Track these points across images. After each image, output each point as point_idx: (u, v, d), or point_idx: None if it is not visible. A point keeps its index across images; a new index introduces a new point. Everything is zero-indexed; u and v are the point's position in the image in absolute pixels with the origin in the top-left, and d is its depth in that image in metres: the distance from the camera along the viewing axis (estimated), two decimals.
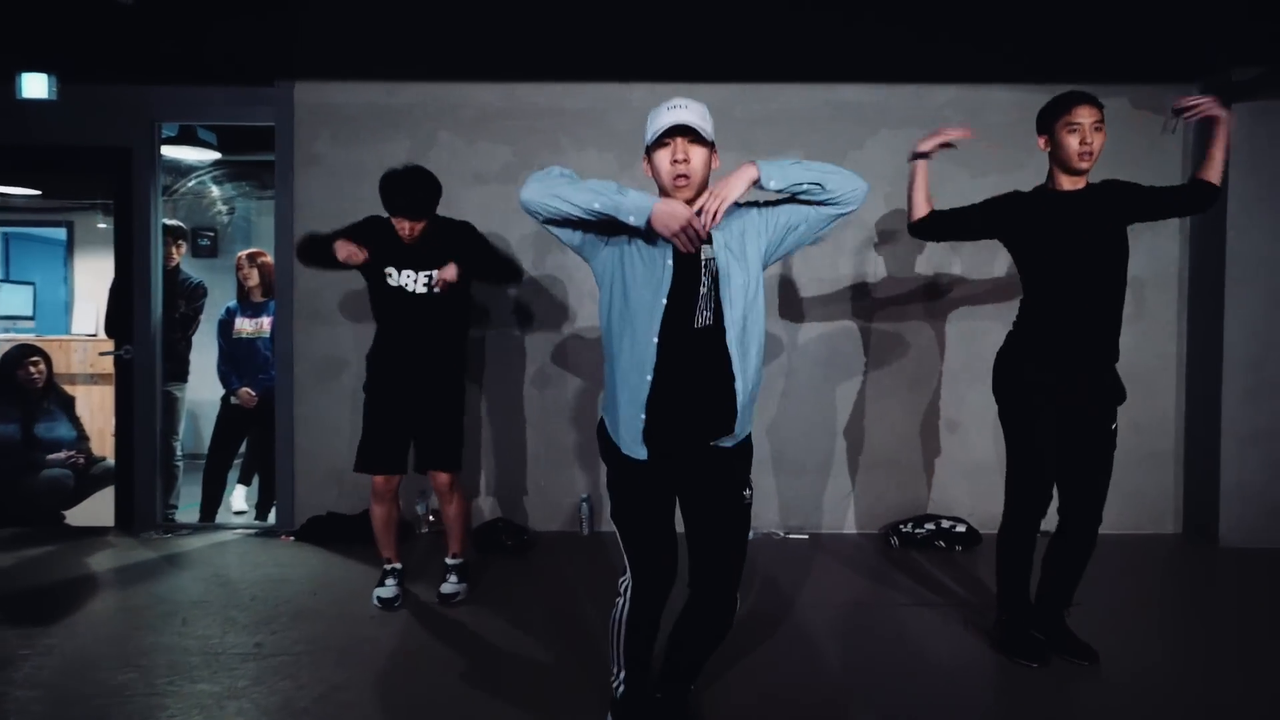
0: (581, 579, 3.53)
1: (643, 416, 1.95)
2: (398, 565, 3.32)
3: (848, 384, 4.31)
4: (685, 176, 1.98)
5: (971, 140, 4.32)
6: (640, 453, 1.98)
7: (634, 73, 4.25)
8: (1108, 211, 2.60)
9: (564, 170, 2.02)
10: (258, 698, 2.40)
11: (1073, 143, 2.55)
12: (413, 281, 3.10)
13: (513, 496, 4.31)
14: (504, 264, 3.65)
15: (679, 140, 1.98)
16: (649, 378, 1.94)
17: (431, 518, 4.25)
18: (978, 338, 4.27)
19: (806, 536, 4.19)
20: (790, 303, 4.28)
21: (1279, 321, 4.06)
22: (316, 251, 3.12)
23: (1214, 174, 2.60)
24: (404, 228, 3.08)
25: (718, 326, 1.95)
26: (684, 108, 1.99)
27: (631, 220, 1.89)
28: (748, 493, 2.07)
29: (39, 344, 4.84)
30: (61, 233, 7.47)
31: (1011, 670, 2.64)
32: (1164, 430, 4.29)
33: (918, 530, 4.10)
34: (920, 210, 2.77)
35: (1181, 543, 4.16)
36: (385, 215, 3.13)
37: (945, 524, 4.11)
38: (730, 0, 4.02)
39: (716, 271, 1.96)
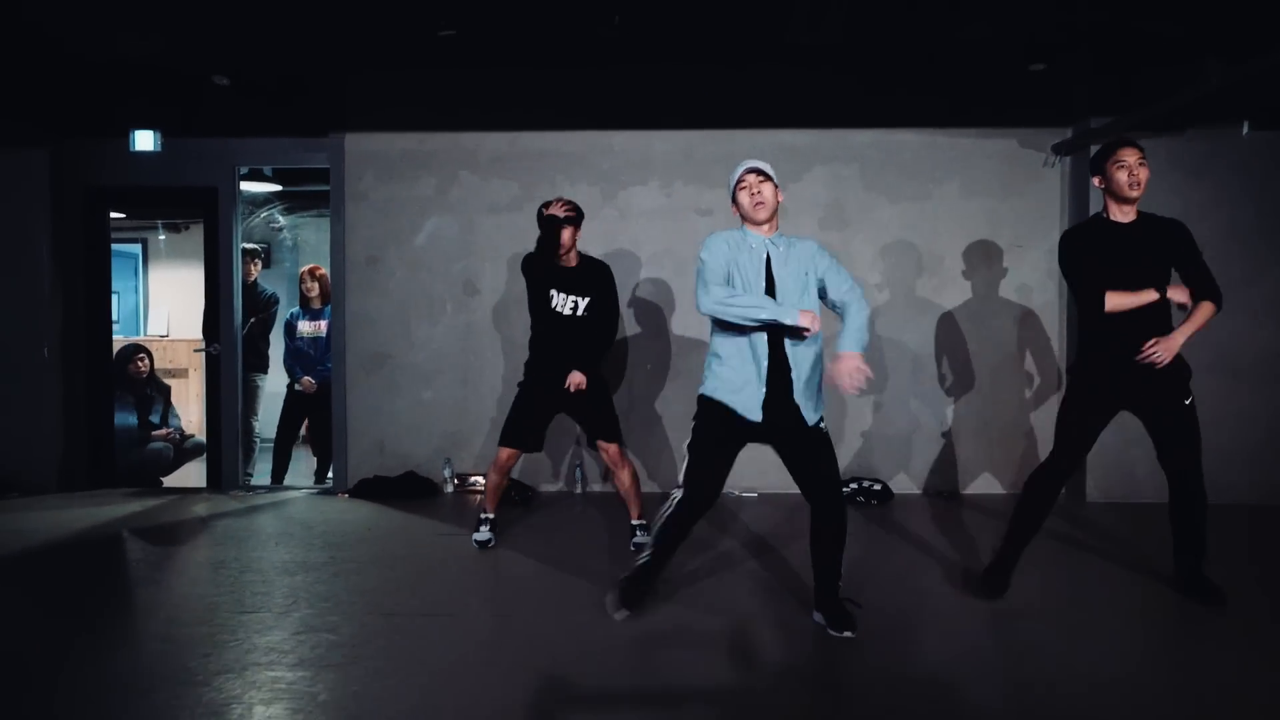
0: (572, 526, 4.60)
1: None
2: (493, 516, 4.06)
3: None
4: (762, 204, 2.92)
5: (887, 177, 5.31)
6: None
7: (614, 122, 5.30)
8: (1157, 246, 3.10)
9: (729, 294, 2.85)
10: (335, 584, 3.49)
11: (1122, 177, 3.06)
12: (564, 303, 3.82)
13: (522, 461, 5.37)
14: (614, 310, 4.05)
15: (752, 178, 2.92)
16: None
17: (456, 480, 5.34)
18: (900, 330, 5.28)
19: (755, 495, 5.21)
20: None
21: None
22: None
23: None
24: (565, 234, 3.76)
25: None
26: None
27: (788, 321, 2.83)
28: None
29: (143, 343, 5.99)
30: (137, 248, 8.65)
31: (894, 590, 3.66)
32: (1048, 407, 5.26)
33: (843, 489, 5.12)
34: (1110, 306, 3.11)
35: (1060, 499, 5.14)
36: (537, 253, 3.84)
37: (866, 483, 5.13)
38: (690, 62, 5.08)
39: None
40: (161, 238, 8.42)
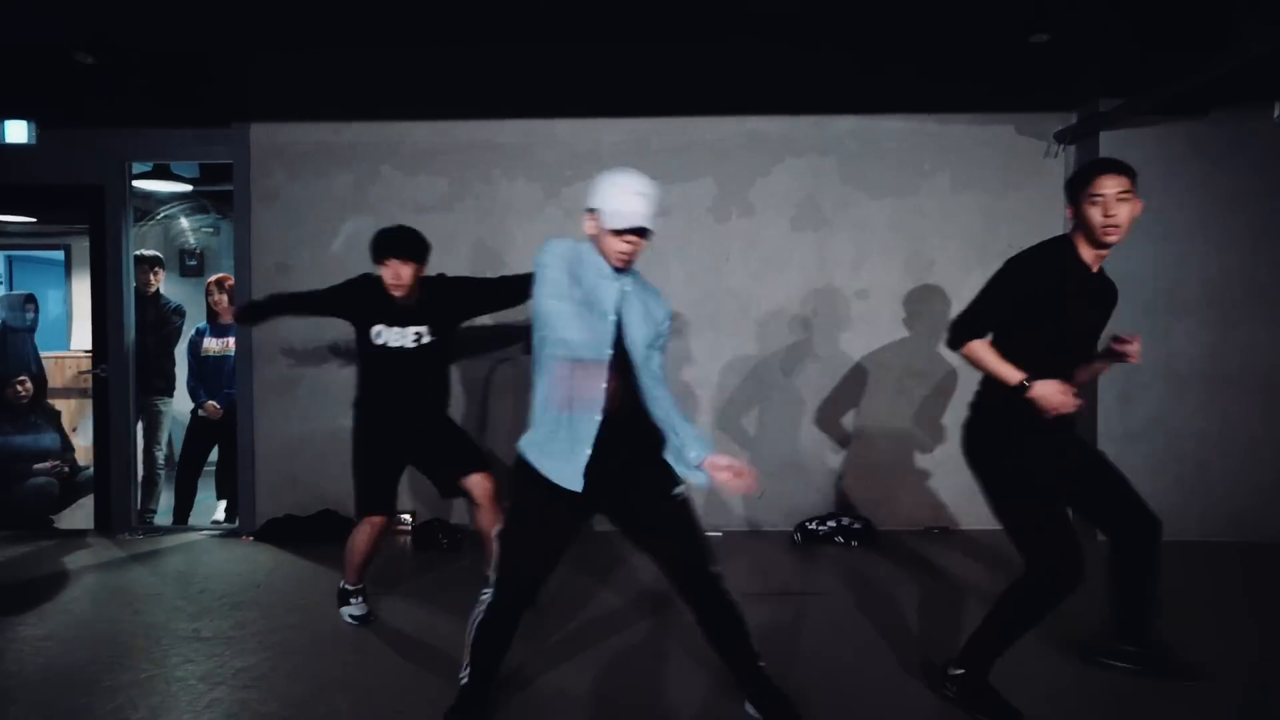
0: None
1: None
2: (360, 586, 3.37)
3: (759, 396, 4.67)
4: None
5: (868, 169, 4.64)
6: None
7: (558, 109, 4.64)
8: (1100, 312, 2.62)
9: None
10: (188, 670, 2.82)
11: (1096, 215, 2.42)
12: (399, 338, 3.17)
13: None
14: (499, 287, 3.41)
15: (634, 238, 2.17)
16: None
17: None
18: (884, 343, 4.62)
19: (720, 534, 4.55)
20: (708, 326, 4.65)
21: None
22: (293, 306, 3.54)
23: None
24: (395, 271, 3.08)
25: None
26: (645, 196, 2.15)
27: None
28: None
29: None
30: (60, 254, 7.95)
31: (876, 655, 3.00)
32: None
33: (820, 528, 4.46)
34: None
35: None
36: (374, 274, 3.18)
37: (845, 521, 4.47)
38: (646, 40, 4.40)
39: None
40: None
